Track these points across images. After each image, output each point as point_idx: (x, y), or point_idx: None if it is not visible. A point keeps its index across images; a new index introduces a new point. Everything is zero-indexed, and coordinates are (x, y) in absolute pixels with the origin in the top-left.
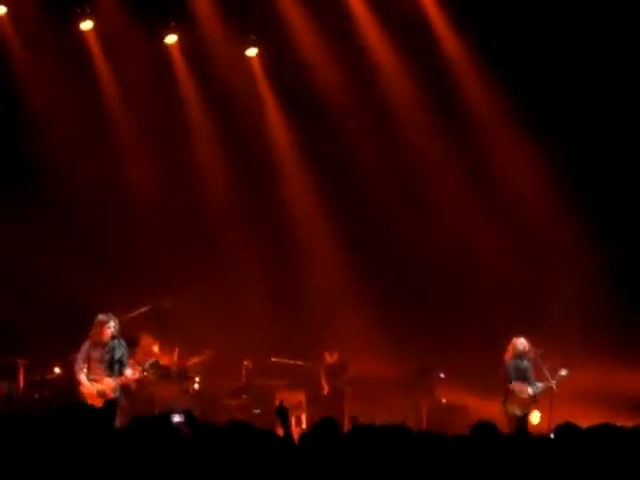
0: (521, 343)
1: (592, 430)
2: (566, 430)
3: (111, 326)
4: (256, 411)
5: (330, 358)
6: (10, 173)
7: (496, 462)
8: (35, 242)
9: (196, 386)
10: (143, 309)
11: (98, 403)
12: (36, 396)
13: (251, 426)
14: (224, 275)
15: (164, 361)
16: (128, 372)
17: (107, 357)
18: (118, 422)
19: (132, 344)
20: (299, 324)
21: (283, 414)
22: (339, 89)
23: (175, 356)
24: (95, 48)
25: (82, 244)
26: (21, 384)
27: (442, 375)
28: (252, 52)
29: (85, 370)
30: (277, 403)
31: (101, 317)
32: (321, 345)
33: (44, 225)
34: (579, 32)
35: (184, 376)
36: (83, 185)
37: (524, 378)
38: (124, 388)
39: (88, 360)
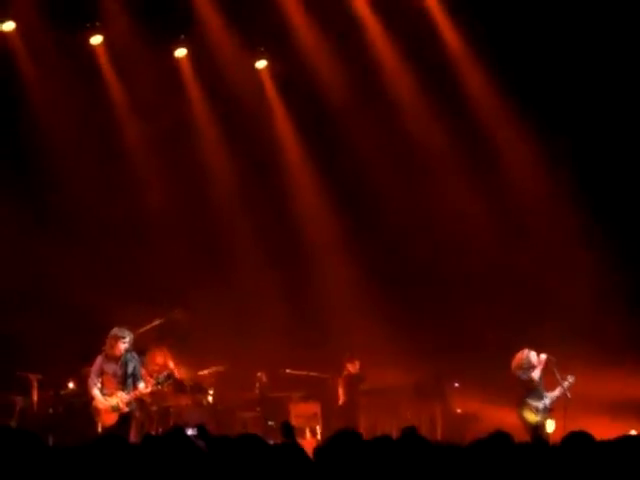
0: (528, 355)
1: (603, 442)
2: (575, 439)
3: (126, 341)
4: (270, 423)
5: (352, 368)
6: (21, 187)
7: (511, 471)
8: (48, 257)
9: (210, 398)
10: (156, 322)
11: (112, 417)
12: (50, 411)
13: (262, 439)
14: (238, 287)
15: (178, 374)
16: (141, 386)
17: (121, 371)
18: (132, 436)
19: (141, 355)
20: (313, 335)
21: (289, 430)
22: (349, 100)
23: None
24: (105, 62)
25: (95, 259)
26: (35, 399)
27: (457, 384)
28: (262, 64)
29: (99, 385)
30: (291, 415)
31: (116, 331)
32: (339, 355)
33: (57, 241)
34: (585, 29)
35: (198, 389)
36: (95, 199)
37: (533, 391)
38: (138, 401)
39: (102, 374)
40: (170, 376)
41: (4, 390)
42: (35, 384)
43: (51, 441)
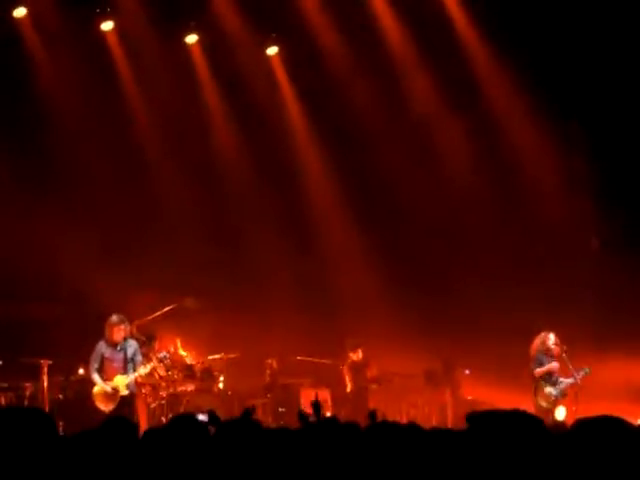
0: (549, 338)
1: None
2: (583, 425)
3: (121, 328)
4: (281, 409)
5: (354, 356)
6: (31, 174)
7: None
8: (59, 244)
9: (221, 385)
10: (167, 308)
11: (113, 401)
12: (60, 397)
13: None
14: (249, 275)
15: (188, 360)
16: (141, 370)
17: (121, 357)
18: (142, 422)
19: (149, 341)
20: (324, 322)
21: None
22: (361, 86)
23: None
24: (116, 48)
25: (106, 245)
26: (45, 385)
27: (467, 371)
28: (273, 51)
29: (98, 370)
30: (302, 402)
31: (112, 319)
32: (345, 343)
33: (68, 227)
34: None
35: (208, 375)
36: (107, 185)
37: (549, 377)
38: (149, 387)
39: (102, 360)
40: (167, 355)
41: (14, 376)
42: (45, 370)
43: (61, 427)
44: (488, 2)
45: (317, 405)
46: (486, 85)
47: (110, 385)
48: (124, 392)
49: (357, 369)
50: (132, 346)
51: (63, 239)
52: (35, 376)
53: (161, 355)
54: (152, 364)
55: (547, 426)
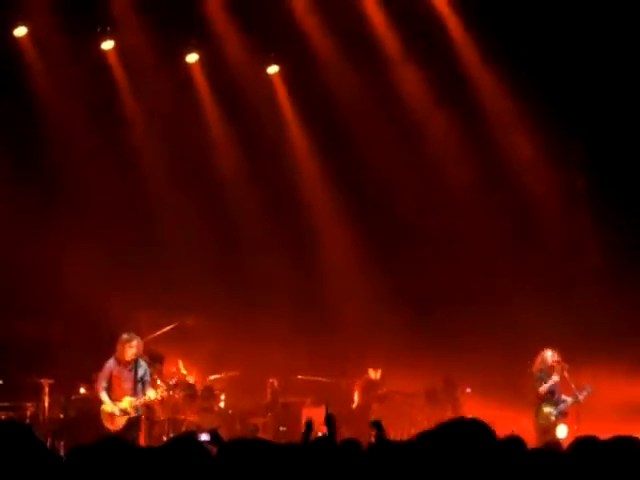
0: (548, 356)
1: (611, 443)
2: (584, 444)
3: (134, 345)
4: (282, 429)
5: (374, 374)
6: (34, 193)
7: (523, 476)
8: (61, 262)
9: (222, 404)
10: (169, 327)
11: (120, 422)
12: (61, 416)
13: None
14: (250, 294)
15: (189, 379)
16: (151, 393)
17: (131, 376)
18: (142, 441)
19: (157, 361)
20: (325, 341)
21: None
22: (361, 105)
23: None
24: (116, 67)
25: (108, 263)
26: (46, 404)
27: (468, 390)
28: (273, 69)
29: (105, 387)
30: (304, 420)
31: (124, 336)
32: (357, 360)
33: (69, 246)
34: (596, 33)
35: (210, 394)
36: (109, 204)
37: (550, 395)
38: (146, 407)
39: (111, 379)
40: (179, 383)
41: (15, 395)
42: (46, 389)
43: (62, 446)
44: (490, 19)
45: (310, 425)
46: (487, 101)
47: (119, 407)
48: (132, 414)
49: (370, 387)
50: (142, 366)
51: (65, 258)
52: (36, 395)
53: (172, 382)
54: (161, 390)
55: (545, 444)
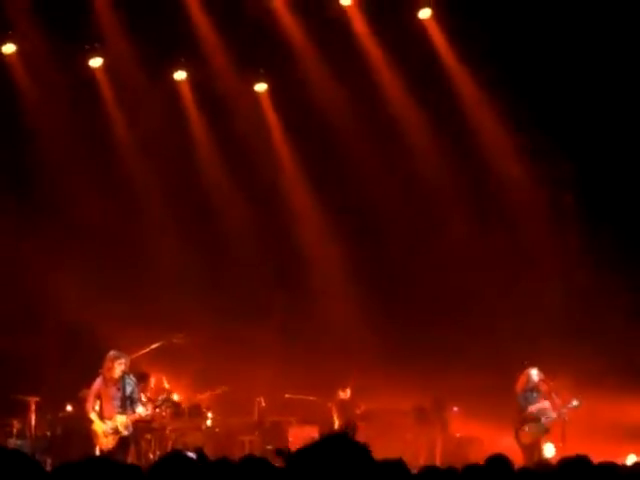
0: (533, 375)
1: (600, 467)
2: (572, 464)
3: (122, 362)
4: (269, 447)
5: (343, 394)
6: (22, 210)
7: None
8: (47, 280)
9: (209, 422)
10: (155, 345)
11: (111, 441)
12: (48, 434)
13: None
14: (237, 312)
15: (176, 397)
16: (140, 409)
17: (119, 394)
18: (130, 459)
19: (142, 379)
20: (312, 360)
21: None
22: (349, 123)
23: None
24: (104, 84)
25: (95, 281)
26: (33, 422)
27: (456, 409)
28: (261, 87)
29: (97, 408)
30: (289, 439)
31: (112, 353)
32: (334, 381)
33: (55, 264)
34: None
35: (197, 412)
36: (97, 221)
37: (538, 414)
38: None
39: (99, 397)
40: (168, 399)
41: (2, 413)
42: (33, 407)
43: (49, 464)
44: (480, 43)
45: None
46: (476, 119)
47: (110, 425)
48: (123, 433)
49: (345, 407)
50: (130, 384)
51: (52, 275)
52: (23, 413)
53: (160, 399)
54: (151, 407)
55: (533, 464)
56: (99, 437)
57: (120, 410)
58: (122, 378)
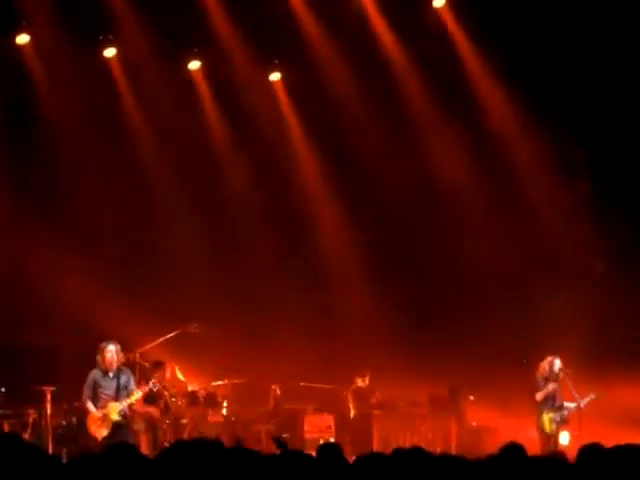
0: (553, 363)
1: (617, 451)
2: (590, 451)
3: (110, 350)
4: (284, 436)
5: (361, 382)
6: (32, 203)
7: None
8: (65, 270)
9: (224, 411)
10: (172, 334)
11: (105, 427)
12: (63, 423)
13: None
14: (253, 301)
15: (190, 386)
16: (134, 395)
17: (114, 384)
18: (145, 448)
19: (157, 368)
20: (328, 348)
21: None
22: (363, 112)
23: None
24: (118, 74)
25: (110, 272)
26: (48, 412)
27: (472, 397)
28: (275, 77)
29: (91, 398)
30: (305, 427)
31: (104, 344)
32: (351, 369)
33: (74, 256)
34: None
35: (212, 401)
36: (110, 212)
37: (551, 402)
38: (143, 416)
39: (95, 388)
40: (160, 382)
41: (18, 402)
42: (48, 396)
43: (65, 453)
44: (493, 28)
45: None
46: (490, 108)
47: (102, 411)
48: (115, 418)
49: (361, 395)
50: (125, 374)
51: (67, 267)
52: (38, 403)
53: (150, 384)
54: (140, 391)
55: (549, 452)
56: (92, 425)
57: (114, 400)
58: (118, 369)
